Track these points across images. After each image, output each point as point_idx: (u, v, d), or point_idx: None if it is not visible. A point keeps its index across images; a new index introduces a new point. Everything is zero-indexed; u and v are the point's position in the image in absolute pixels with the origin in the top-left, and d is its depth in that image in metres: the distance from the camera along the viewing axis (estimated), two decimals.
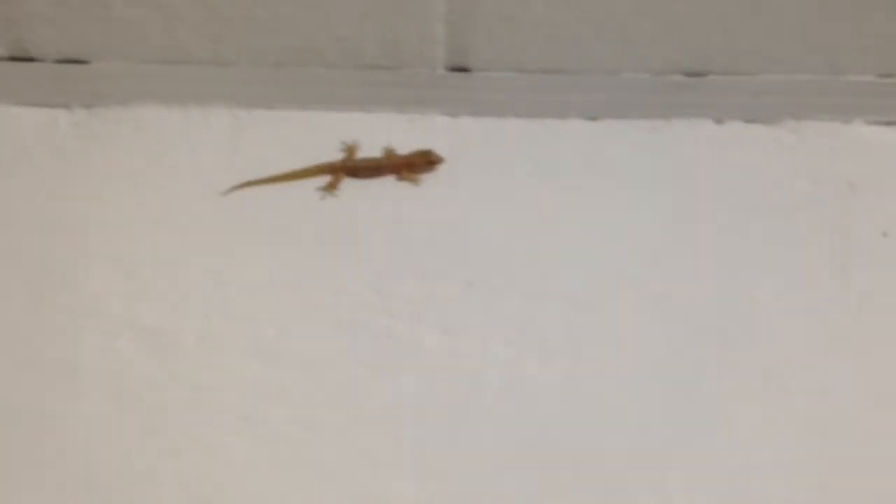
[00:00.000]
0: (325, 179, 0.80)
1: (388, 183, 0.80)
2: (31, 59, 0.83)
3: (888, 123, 0.80)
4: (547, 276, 0.76)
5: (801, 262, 0.75)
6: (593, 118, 0.82)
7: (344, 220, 0.78)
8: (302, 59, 0.81)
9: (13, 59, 0.83)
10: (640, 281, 0.75)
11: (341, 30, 0.79)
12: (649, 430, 0.69)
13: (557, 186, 0.80)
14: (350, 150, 0.81)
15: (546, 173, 0.81)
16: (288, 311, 0.73)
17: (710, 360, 0.71)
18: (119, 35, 0.80)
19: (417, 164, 0.80)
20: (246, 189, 0.79)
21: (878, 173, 0.78)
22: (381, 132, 0.83)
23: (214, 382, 0.71)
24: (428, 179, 0.80)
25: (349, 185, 0.80)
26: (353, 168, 0.80)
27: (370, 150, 0.81)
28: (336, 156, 0.81)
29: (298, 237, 0.77)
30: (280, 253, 0.76)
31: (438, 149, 0.81)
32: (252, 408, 0.69)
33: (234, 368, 0.71)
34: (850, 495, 0.66)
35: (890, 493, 0.66)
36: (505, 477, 0.67)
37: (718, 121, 0.82)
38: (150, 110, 0.83)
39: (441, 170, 0.80)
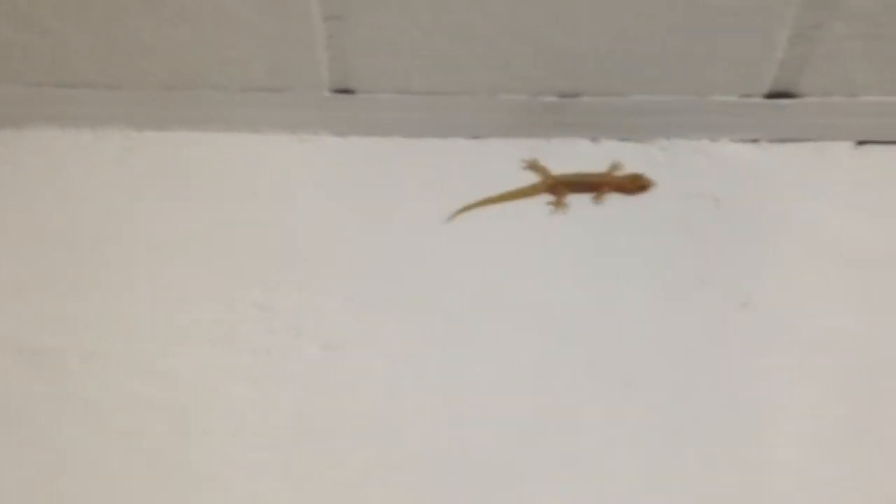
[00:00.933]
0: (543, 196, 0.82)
1: (269, 197, 0.83)
2: None
3: (751, 141, 0.84)
4: (427, 292, 0.78)
5: (668, 274, 0.78)
6: (475, 137, 0.86)
7: (227, 234, 0.80)
8: (192, 82, 0.83)
9: None
10: (515, 295, 0.78)
11: (228, 53, 0.81)
12: (523, 442, 0.72)
13: (441, 203, 0.82)
14: (536, 165, 0.84)
15: (430, 190, 0.83)
16: (169, 325, 0.75)
17: (577, 371, 0.74)
18: (8, 58, 0.82)
19: (628, 186, 0.83)
20: (136, 206, 0.82)
21: (740, 188, 0.82)
22: (271, 152, 0.85)
23: (94, 397, 0.72)
24: (307, 194, 0.83)
25: (230, 200, 0.82)
26: (571, 184, 0.83)
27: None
28: (238, 178, 0.83)
29: (185, 253, 0.79)
30: (163, 269, 0.78)
31: (326, 166, 0.84)
32: (132, 423, 0.71)
33: (114, 384, 0.73)
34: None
35: (740, 492, 0.70)
36: (381, 489, 0.70)
37: (594, 139, 0.86)
38: (43, 133, 0.86)
39: (327, 185, 0.83)
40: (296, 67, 0.81)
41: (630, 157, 0.84)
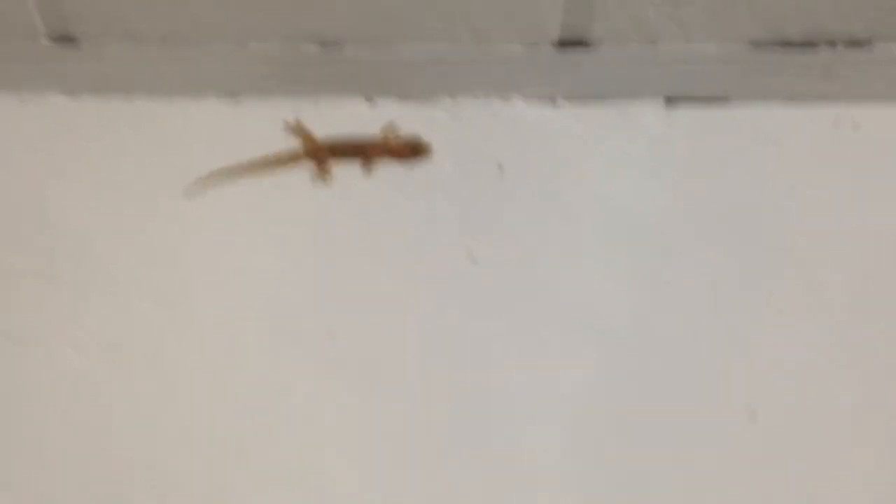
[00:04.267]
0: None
1: None
2: None
3: (547, 99, 0.74)
4: (150, 271, 0.68)
5: (436, 252, 0.69)
6: (230, 96, 0.74)
7: None
8: None
9: None
10: (255, 282, 0.68)
11: None
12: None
13: (185, 173, 0.71)
14: (298, 128, 0.73)
15: (173, 157, 0.72)
16: None
17: (319, 360, 0.65)
18: None
19: (402, 152, 0.72)
20: None
21: (529, 154, 0.72)
22: None
23: None
24: (25, 160, 0.72)
25: None
26: (334, 149, 0.72)
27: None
28: None
29: None
30: None
31: (53, 131, 0.72)
32: None
33: None
34: None
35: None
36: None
37: (369, 99, 0.74)
38: None
39: (52, 150, 0.72)
40: (2, 11, 0.69)
41: (410, 119, 0.73)
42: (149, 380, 0.66)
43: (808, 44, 0.72)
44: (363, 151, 0.72)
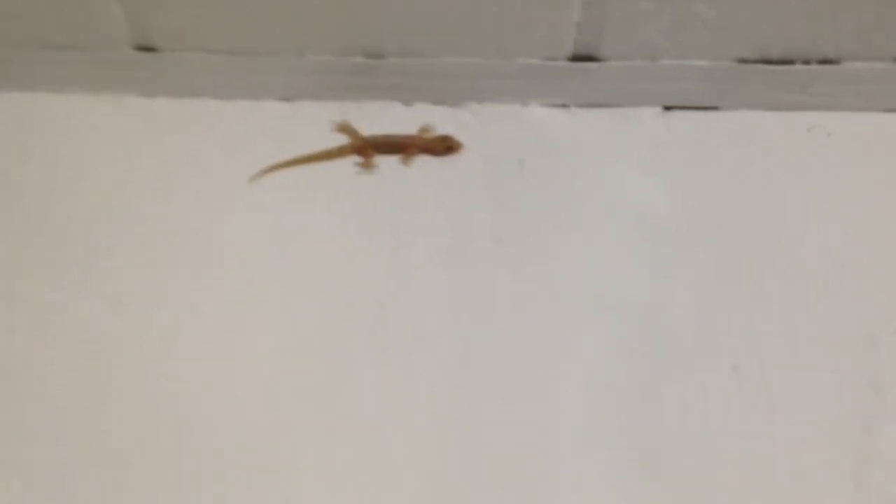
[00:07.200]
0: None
1: (71, 158, 0.81)
2: None
3: (560, 105, 0.84)
4: (223, 251, 0.77)
5: (467, 232, 0.78)
6: (287, 99, 0.85)
7: (24, 194, 0.79)
8: None
9: None
10: (315, 256, 0.77)
11: (22, 7, 0.78)
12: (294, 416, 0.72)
13: (250, 165, 0.80)
14: (346, 127, 0.82)
15: (239, 153, 0.82)
16: None
17: (363, 334, 0.74)
18: None
19: (436, 148, 0.82)
20: None
21: (547, 152, 0.82)
22: (74, 112, 0.83)
23: None
24: (110, 155, 0.81)
25: (31, 161, 0.81)
26: (377, 145, 0.82)
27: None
28: (40, 138, 0.81)
29: None
30: None
31: (131, 127, 0.82)
32: None
33: None
34: None
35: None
36: (161, 449, 0.70)
37: (407, 102, 0.85)
38: None
39: (131, 146, 0.81)
40: (92, 24, 0.79)
41: (442, 121, 0.84)
42: (218, 344, 0.74)
43: (787, 61, 0.82)
44: (402, 147, 0.83)
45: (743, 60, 0.82)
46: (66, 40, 0.80)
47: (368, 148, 0.82)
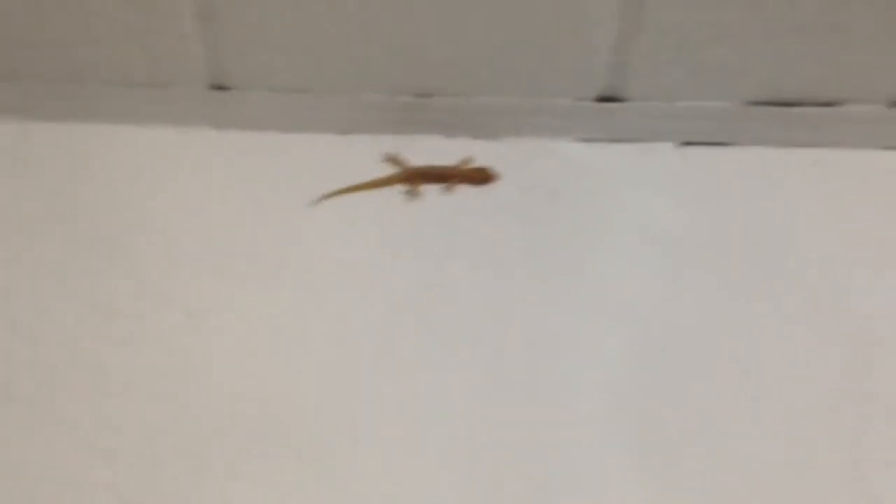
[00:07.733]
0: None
1: (150, 183, 0.90)
2: None
3: (586, 140, 0.92)
4: (288, 267, 0.86)
5: (504, 256, 0.87)
6: (342, 133, 0.93)
7: (109, 216, 0.88)
8: (78, 76, 0.90)
9: None
10: (369, 272, 0.86)
11: (108, 49, 0.88)
12: (354, 415, 0.80)
13: (309, 191, 0.89)
14: (395, 159, 0.91)
15: (299, 180, 0.90)
16: (42, 293, 0.83)
17: (421, 348, 0.83)
18: None
19: (475, 178, 0.91)
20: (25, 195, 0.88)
21: (575, 182, 0.90)
22: (153, 143, 0.92)
23: None
24: (184, 180, 0.90)
25: (114, 186, 0.90)
26: (422, 175, 0.91)
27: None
28: (123, 166, 0.91)
29: (71, 233, 0.87)
30: (47, 247, 0.86)
31: (204, 156, 0.92)
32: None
33: None
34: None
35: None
36: (236, 454, 0.78)
37: (449, 136, 0.93)
38: None
39: (204, 173, 0.90)
40: (174, 65, 0.89)
41: (481, 154, 0.92)
42: (284, 349, 0.82)
43: (795, 103, 0.91)
44: (445, 177, 0.91)
45: (754, 102, 0.90)
46: (150, 79, 0.90)
47: (415, 177, 0.91)
